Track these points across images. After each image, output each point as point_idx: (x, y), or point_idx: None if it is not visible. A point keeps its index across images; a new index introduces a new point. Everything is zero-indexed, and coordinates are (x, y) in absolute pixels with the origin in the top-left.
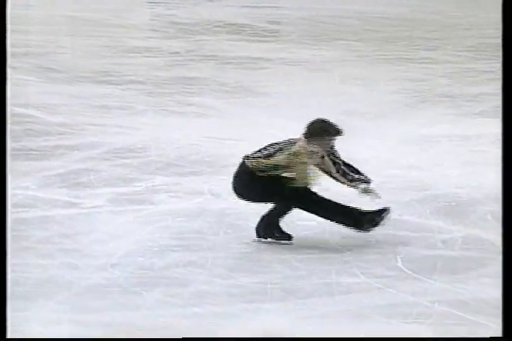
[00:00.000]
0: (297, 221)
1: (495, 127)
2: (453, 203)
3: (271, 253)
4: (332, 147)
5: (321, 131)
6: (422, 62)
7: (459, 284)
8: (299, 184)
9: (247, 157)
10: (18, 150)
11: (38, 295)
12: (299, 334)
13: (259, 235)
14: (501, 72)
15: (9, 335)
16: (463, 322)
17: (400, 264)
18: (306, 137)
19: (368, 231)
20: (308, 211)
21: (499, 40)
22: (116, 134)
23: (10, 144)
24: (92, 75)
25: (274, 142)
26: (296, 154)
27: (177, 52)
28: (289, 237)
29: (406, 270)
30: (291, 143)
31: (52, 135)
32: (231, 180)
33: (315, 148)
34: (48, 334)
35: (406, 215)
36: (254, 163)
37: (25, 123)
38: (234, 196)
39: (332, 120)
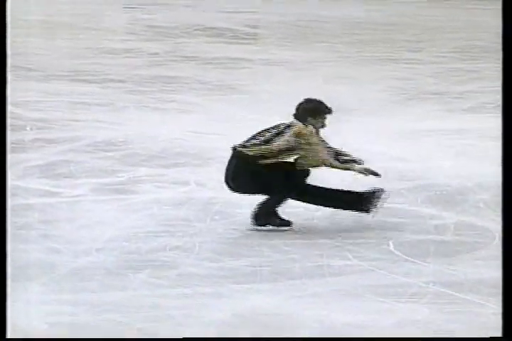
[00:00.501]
0: (285, 208)
1: (483, 122)
2: (444, 192)
3: (259, 238)
4: (323, 126)
5: (313, 110)
6: (407, 63)
7: (453, 266)
8: (313, 164)
9: (243, 146)
10: None
11: (21, 277)
12: (291, 313)
13: (257, 223)
14: (501, 73)
15: (9, 335)
16: (457, 301)
17: (392, 248)
18: (298, 118)
19: (369, 212)
20: (305, 201)
21: (483, 42)
22: (97, 129)
23: None
24: (70, 74)
25: (264, 129)
26: (299, 135)
27: (156, 53)
28: (288, 223)
29: (398, 253)
30: (286, 126)
31: (30, 129)
32: (217, 171)
33: (311, 128)
34: (30, 314)
35: (397, 203)
36: (254, 151)
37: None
38: (221, 186)
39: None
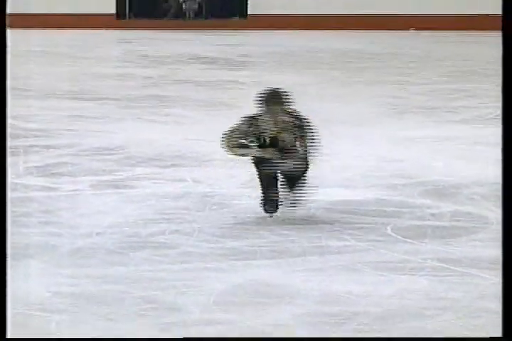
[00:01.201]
0: None
1: (477, 131)
2: (440, 186)
3: (257, 224)
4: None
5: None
6: (398, 84)
7: (450, 246)
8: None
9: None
10: None
11: (22, 255)
12: (291, 284)
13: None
14: (501, 72)
15: (9, 335)
16: (456, 273)
17: (389, 232)
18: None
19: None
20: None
21: (472, 68)
22: (94, 136)
23: None
24: (66, 94)
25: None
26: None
27: (150, 77)
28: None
29: (396, 236)
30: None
31: (28, 137)
32: (214, 170)
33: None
34: (32, 286)
35: (394, 196)
36: None
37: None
38: (218, 183)
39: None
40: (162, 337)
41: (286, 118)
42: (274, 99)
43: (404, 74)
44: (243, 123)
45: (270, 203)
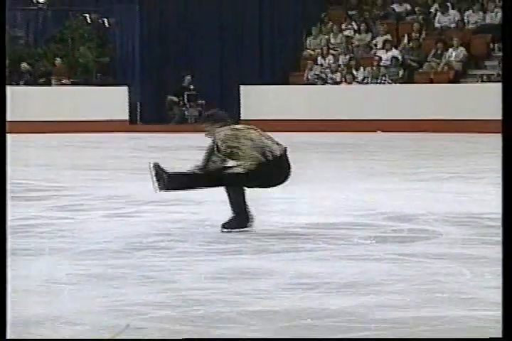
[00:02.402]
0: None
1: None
2: (400, 215)
3: (242, 234)
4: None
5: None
6: (367, 160)
7: (407, 247)
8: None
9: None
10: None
11: (38, 254)
12: (270, 268)
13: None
14: (501, 72)
15: (9, 336)
16: (409, 261)
17: (356, 239)
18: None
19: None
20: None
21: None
22: (108, 189)
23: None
24: (85, 166)
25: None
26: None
27: (156, 158)
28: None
29: (361, 241)
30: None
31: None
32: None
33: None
34: (52, 272)
35: (360, 220)
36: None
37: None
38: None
39: None
40: (162, 338)
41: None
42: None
43: (371, 155)
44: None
45: (246, 217)
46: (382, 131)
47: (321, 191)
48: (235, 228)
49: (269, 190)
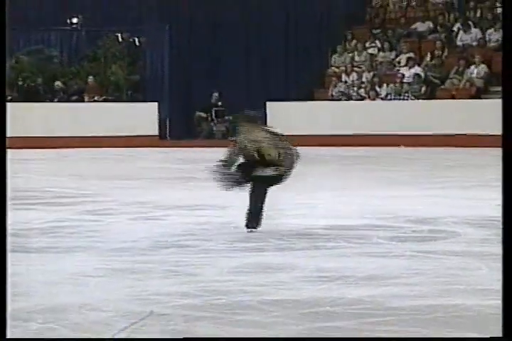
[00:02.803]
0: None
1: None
2: (420, 218)
3: (264, 233)
4: None
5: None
6: (388, 171)
7: (426, 245)
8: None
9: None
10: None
11: (67, 251)
12: (293, 263)
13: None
14: (501, 71)
15: (9, 335)
16: (427, 257)
17: (375, 239)
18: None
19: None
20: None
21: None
22: (134, 196)
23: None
24: (116, 176)
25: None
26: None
27: (182, 169)
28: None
29: (381, 241)
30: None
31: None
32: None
33: None
34: (80, 266)
35: (382, 222)
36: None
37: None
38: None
39: None
40: (163, 338)
41: (264, 135)
42: (246, 120)
43: (394, 166)
44: (231, 153)
45: (258, 219)
46: (405, 146)
47: (343, 197)
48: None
49: (290, 195)
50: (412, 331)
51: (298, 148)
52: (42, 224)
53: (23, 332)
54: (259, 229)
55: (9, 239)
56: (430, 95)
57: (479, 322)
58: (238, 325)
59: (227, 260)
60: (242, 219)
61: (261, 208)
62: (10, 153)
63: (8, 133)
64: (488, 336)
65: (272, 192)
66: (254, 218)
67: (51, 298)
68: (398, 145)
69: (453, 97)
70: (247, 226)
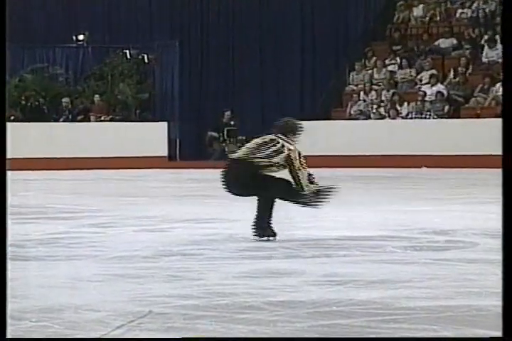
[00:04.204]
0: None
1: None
2: (437, 230)
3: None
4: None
5: (294, 128)
6: (408, 189)
7: (441, 254)
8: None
9: (247, 156)
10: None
11: (66, 259)
12: (302, 269)
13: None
14: (501, 71)
15: (9, 335)
16: (441, 264)
17: (390, 248)
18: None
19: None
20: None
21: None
22: (137, 211)
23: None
24: (123, 194)
25: (258, 142)
26: (287, 159)
27: (192, 187)
28: (275, 234)
29: (395, 250)
30: (281, 145)
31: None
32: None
33: (297, 152)
34: (81, 272)
35: (396, 233)
36: (256, 162)
37: None
38: None
39: None
40: (163, 337)
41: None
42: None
43: (413, 184)
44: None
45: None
46: (427, 167)
47: (358, 211)
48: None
49: (305, 210)
50: (421, 328)
51: (314, 169)
52: (41, 236)
53: (16, 330)
54: (268, 238)
55: (7, 249)
56: (453, 114)
57: (492, 320)
58: (239, 323)
59: (232, 266)
60: (250, 232)
61: (267, 217)
62: (11, 175)
63: (9, 155)
64: (492, 335)
65: (284, 205)
66: (264, 225)
67: (46, 299)
68: (420, 167)
69: (477, 116)
70: (259, 234)
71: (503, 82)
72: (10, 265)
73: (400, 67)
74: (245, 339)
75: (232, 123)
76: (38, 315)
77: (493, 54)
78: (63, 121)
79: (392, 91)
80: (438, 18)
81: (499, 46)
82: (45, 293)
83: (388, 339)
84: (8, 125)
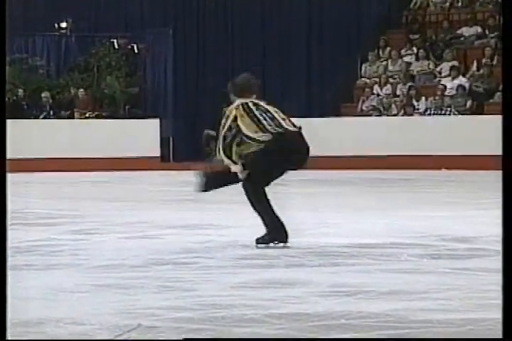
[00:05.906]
0: None
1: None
2: (459, 237)
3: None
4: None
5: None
6: (417, 192)
7: (460, 262)
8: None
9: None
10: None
11: (46, 268)
12: (306, 278)
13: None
14: (501, 70)
15: (9, 337)
16: (459, 273)
17: (405, 256)
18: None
19: None
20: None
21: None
22: (128, 217)
23: None
24: (114, 198)
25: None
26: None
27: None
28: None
29: (410, 258)
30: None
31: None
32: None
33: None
34: (64, 282)
35: (412, 241)
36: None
37: None
38: None
39: None
40: (163, 338)
41: None
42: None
43: (430, 188)
44: None
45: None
46: (447, 169)
47: (369, 217)
48: (271, 242)
49: (309, 215)
50: None
51: (322, 171)
52: (19, 243)
53: None
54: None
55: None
56: (476, 110)
57: None
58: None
59: (230, 276)
60: (247, 238)
61: (274, 219)
62: None
63: None
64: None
65: (289, 211)
66: (275, 231)
67: (26, 312)
68: (439, 168)
69: None
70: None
71: (503, 82)
72: None
73: (417, 58)
74: (245, 340)
75: None
76: (15, 330)
77: None
78: (44, 118)
79: (408, 84)
80: (460, 3)
81: None
82: (23, 305)
83: (388, 339)
84: None
